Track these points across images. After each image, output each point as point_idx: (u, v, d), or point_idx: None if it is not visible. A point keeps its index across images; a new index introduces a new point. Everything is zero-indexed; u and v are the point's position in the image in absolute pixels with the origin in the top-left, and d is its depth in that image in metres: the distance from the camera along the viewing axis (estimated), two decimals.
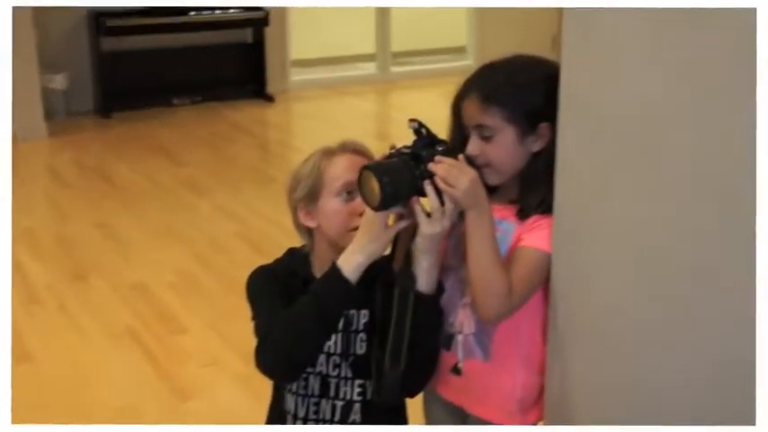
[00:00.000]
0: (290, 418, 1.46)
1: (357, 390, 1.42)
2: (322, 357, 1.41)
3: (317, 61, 7.48)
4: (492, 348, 1.37)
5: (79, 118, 6.01)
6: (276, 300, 1.39)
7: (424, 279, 1.33)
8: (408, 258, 1.33)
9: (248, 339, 2.89)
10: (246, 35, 6.67)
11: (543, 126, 1.30)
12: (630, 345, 1.17)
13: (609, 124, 1.15)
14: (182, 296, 3.25)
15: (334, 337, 1.40)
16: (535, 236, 1.30)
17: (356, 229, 1.35)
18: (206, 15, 6.33)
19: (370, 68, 7.40)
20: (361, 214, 1.35)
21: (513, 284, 1.28)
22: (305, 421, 1.44)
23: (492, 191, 1.33)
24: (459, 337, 1.38)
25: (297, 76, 6.98)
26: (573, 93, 1.21)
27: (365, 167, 1.28)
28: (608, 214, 1.18)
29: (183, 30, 6.28)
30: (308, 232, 1.45)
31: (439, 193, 1.27)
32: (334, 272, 1.31)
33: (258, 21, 6.45)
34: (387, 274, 1.36)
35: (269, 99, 6.53)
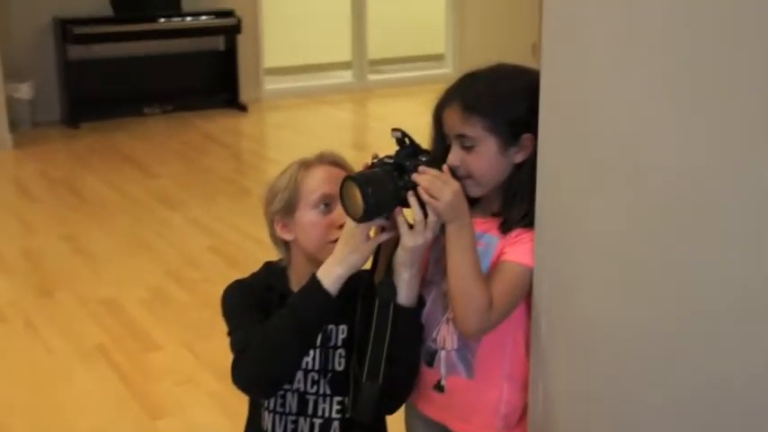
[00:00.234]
0: None
1: (336, 407, 1.40)
2: (300, 374, 1.40)
3: (291, 69, 7.44)
4: (475, 364, 1.35)
5: (46, 128, 5.92)
6: (253, 314, 1.38)
7: (405, 291, 1.32)
8: (389, 270, 1.32)
9: (223, 356, 2.82)
10: (218, 42, 6.62)
11: (526, 137, 1.29)
12: (614, 359, 1.17)
13: (590, 134, 1.14)
14: (154, 312, 3.19)
15: (312, 353, 1.39)
16: (517, 250, 1.29)
17: (334, 241, 1.35)
18: (176, 22, 6.28)
19: (346, 76, 7.39)
20: (339, 227, 1.35)
21: (495, 299, 1.27)
22: None
23: (474, 203, 1.32)
24: (442, 354, 1.37)
25: (271, 84, 6.94)
26: (553, 102, 1.21)
27: (348, 178, 1.26)
28: (590, 226, 1.17)
29: (152, 37, 6.22)
30: (286, 245, 1.45)
31: (422, 204, 1.26)
32: (314, 284, 1.29)
33: (230, 28, 6.40)
34: (366, 287, 1.35)
35: (242, 108, 6.48)
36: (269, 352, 1.30)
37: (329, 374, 1.39)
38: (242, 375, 1.33)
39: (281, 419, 1.41)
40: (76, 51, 5.97)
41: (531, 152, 1.27)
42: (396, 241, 1.30)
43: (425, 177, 1.25)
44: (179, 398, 2.61)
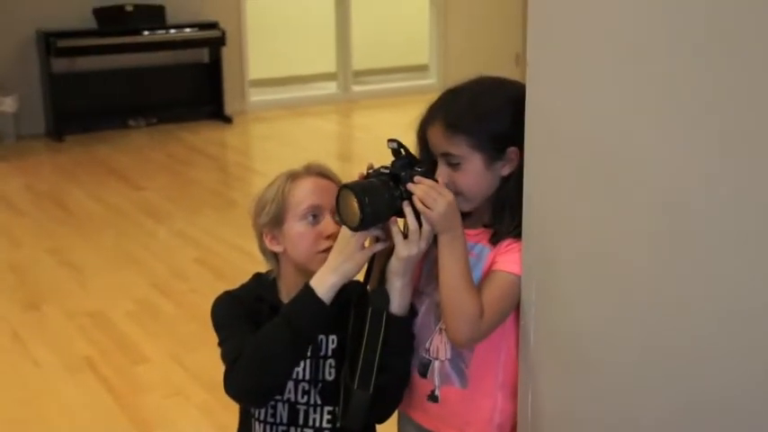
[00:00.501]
0: None
1: (326, 417, 1.40)
2: (290, 384, 1.39)
3: (275, 81, 7.45)
4: (469, 374, 1.35)
5: (30, 142, 5.90)
6: (243, 325, 1.38)
7: (397, 300, 1.32)
8: (382, 279, 1.33)
9: (211, 368, 2.82)
10: (203, 55, 6.62)
11: (511, 150, 1.29)
12: (601, 368, 1.17)
13: (576, 145, 1.15)
14: (141, 325, 3.18)
15: (302, 364, 1.39)
16: (508, 259, 1.29)
17: (323, 251, 1.35)
18: (160, 35, 6.27)
19: (330, 88, 7.41)
20: (327, 237, 1.36)
21: (485, 308, 1.27)
22: None
23: (465, 215, 1.32)
24: (436, 364, 1.37)
25: (255, 96, 6.95)
26: (539, 114, 1.21)
27: (344, 187, 1.27)
28: (577, 236, 1.18)
29: (136, 50, 6.21)
30: (275, 257, 1.44)
31: (417, 214, 1.26)
32: (308, 292, 1.30)
33: (215, 40, 6.40)
34: (359, 296, 1.35)
35: (227, 120, 6.47)
36: (262, 361, 1.30)
37: (320, 384, 1.39)
38: (234, 384, 1.33)
39: (271, 430, 1.41)
40: (60, 64, 5.96)
41: (518, 164, 1.28)
42: (389, 251, 1.31)
43: (420, 187, 1.26)
44: (168, 411, 2.61)
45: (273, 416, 1.41)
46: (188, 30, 6.36)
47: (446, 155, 1.30)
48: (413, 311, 1.36)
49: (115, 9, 6.13)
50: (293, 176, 1.41)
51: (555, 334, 1.24)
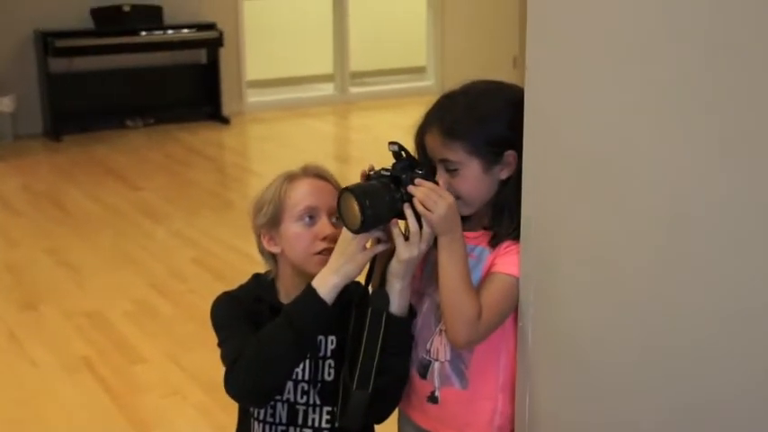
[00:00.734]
0: None
1: (326, 417, 1.41)
2: (290, 384, 1.40)
3: (273, 82, 7.45)
4: (469, 375, 1.36)
5: (28, 141, 5.89)
6: (243, 325, 1.39)
7: (397, 301, 1.33)
8: (382, 280, 1.33)
9: (209, 369, 2.82)
10: (200, 56, 6.62)
11: (509, 154, 1.30)
12: (599, 369, 1.17)
13: (574, 147, 1.15)
14: (139, 325, 3.18)
15: (302, 364, 1.39)
16: (507, 261, 1.30)
17: (319, 253, 1.36)
18: (158, 35, 6.27)
19: (328, 89, 7.41)
20: (323, 239, 1.37)
21: (484, 310, 1.28)
22: None
23: (466, 218, 1.33)
24: (436, 365, 1.37)
25: (253, 97, 6.95)
26: (537, 116, 1.21)
27: (345, 189, 1.28)
28: (575, 238, 1.18)
29: (134, 50, 6.21)
30: (273, 258, 1.45)
31: (418, 216, 1.27)
32: (310, 293, 1.30)
33: (212, 41, 6.40)
34: (359, 297, 1.36)
35: (224, 121, 6.48)
36: (264, 361, 1.30)
37: (319, 385, 1.40)
38: (235, 385, 1.33)
39: (270, 430, 1.41)
40: (58, 64, 5.95)
41: (516, 167, 1.29)
42: (390, 252, 1.31)
43: (421, 190, 1.27)
44: (165, 410, 2.61)
45: (273, 416, 1.41)
46: (185, 30, 6.36)
47: (444, 161, 1.31)
48: (412, 313, 1.37)
49: (113, 9, 6.12)
50: (290, 178, 1.42)
51: (553, 335, 1.24)
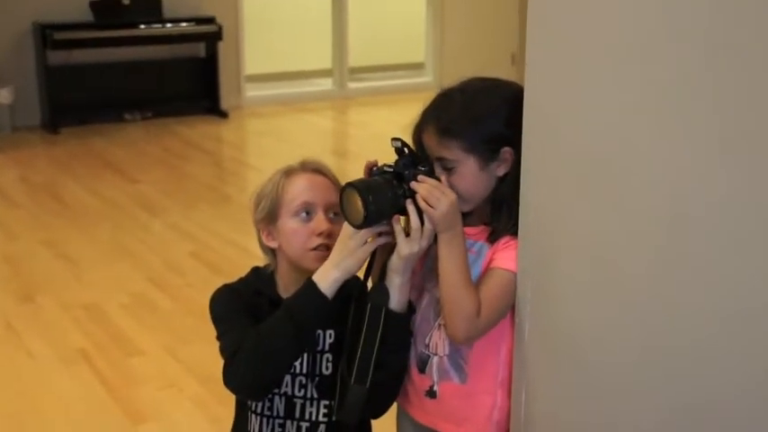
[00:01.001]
0: None
1: (323, 411, 1.41)
2: (288, 378, 1.41)
3: (272, 76, 7.45)
4: (468, 370, 1.36)
5: (25, 133, 5.89)
6: (242, 318, 1.39)
7: (396, 297, 1.33)
8: (382, 274, 1.34)
9: (205, 361, 2.83)
10: (199, 49, 6.61)
11: (505, 150, 1.31)
12: (595, 366, 1.17)
13: (573, 143, 1.16)
14: (136, 318, 3.18)
15: (300, 358, 1.39)
16: (506, 256, 1.31)
17: (315, 249, 1.37)
18: (157, 29, 6.26)
19: (326, 84, 7.41)
20: (319, 234, 1.37)
21: (483, 305, 1.29)
22: None
23: (466, 214, 1.33)
24: (434, 360, 1.38)
25: (251, 91, 6.94)
26: (536, 113, 1.22)
27: (348, 184, 1.28)
28: (573, 234, 1.18)
29: (133, 43, 6.20)
30: (272, 252, 1.45)
31: (420, 212, 1.28)
32: (310, 287, 1.31)
33: (211, 34, 6.40)
34: (358, 292, 1.36)
35: (223, 115, 6.47)
36: (263, 354, 1.31)
37: (317, 378, 1.40)
38: (234, 377, 1.33)
39: (268, 423, 1.42)
40: (57, 57, 5.94)
41: (513, 163, 1.29)
42: (391, 247, 1.32)
43: (424, 186, 1.27)
44: (161, 403, 2.61)
45: (270, 409, 1.42)
46: (185, 24, 6.35)
47: (440, 159, 1.32)
48: (411, 308, 1.37)
49: (112, 2, 6.11)
50: (288, 172, 1.42)
51: (550, 332, 1.25)
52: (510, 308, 1.32)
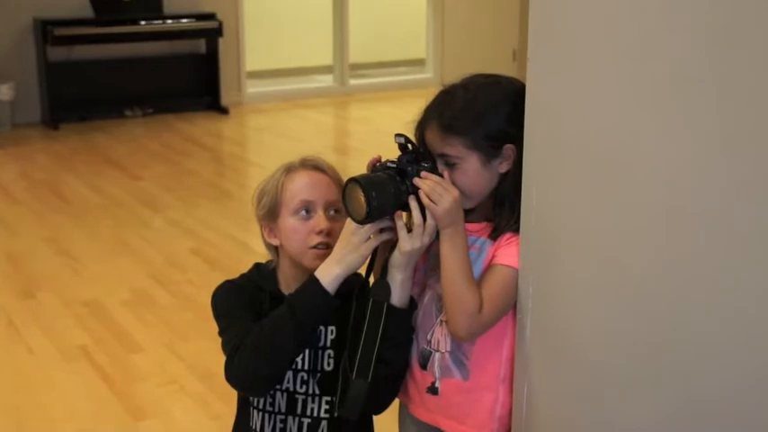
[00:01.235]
0: None
1: (324, 407, 1.42)
2: (289, 374, 1.41)
3: (272, 73, 7.44)
4: (470, 366, 1.36)
5: (26, 130, 5.89)
6: (244, 313, 1.40)
7: (398, 293, 1.33)
8: (384, 270, 1.34)
9: (206, 358, 2.84)
10: (200, 46, 6.61)
11: (508, 147, 1.31)
12: (596, 363, 1.17)
13: (575, 141, 1.16)
14: (136, 314, 3.18)
15: (302, 353, 1.40)
16: (507, 253, 1.31)
17: (315, 247, 1.37)
18: (157, 25, 6.25)
19: (327, 81, 7.40)
20: (319, 232, 1.37)
21: (485, 302, 1.29)
22: None
23: (469, 210, 1.34)
24: (436, 356, 1.38)
25: (252, 88, 6.94)
26: (538, 110, 1.22)
27: (351, 180, 1.28)
28: (574, 232, 1.18)
29: (133, 39, 6.20)
30: (275, 249, 1.46)
31: (422, 209, 1.28)
32: (313, 283, 1.31)
33: (212, 31, 6.39)
34: (360, 288, 1.37)
35: (223, 111, 6.47)
36: (266, 350, 1.31)
37: (318, 374, 1.41)
38: (236, 373, 1.34)
39: (269, 418, 1.42)
40: (57, 53, 5.94)
41: (515, 160, 1.29)
42: (393, 243, 1.32)
43: (427, 183, 1.28)
44: (162, 399, 2.61)
45: (272, 405, 1.42)
46: (185, 20, 6.34)
47: (443, 156, 1.32)
48: (413, 304, 1.37)
49: None
50: (288, 170, 1.42)
51: (551, 329, 1.25)
52: (512, 304, 1.32)
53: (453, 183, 1.31)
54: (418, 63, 7.82)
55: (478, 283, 1.30)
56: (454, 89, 1.35)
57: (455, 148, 1.30)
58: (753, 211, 0.94)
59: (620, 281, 1.11)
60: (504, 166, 1.32)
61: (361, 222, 1.28)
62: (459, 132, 1.30)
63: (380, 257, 1.36)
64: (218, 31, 6.37)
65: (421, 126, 1.36)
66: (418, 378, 1.40)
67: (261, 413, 1.43)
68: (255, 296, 1.43)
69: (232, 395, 1.49)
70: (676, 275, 1.03)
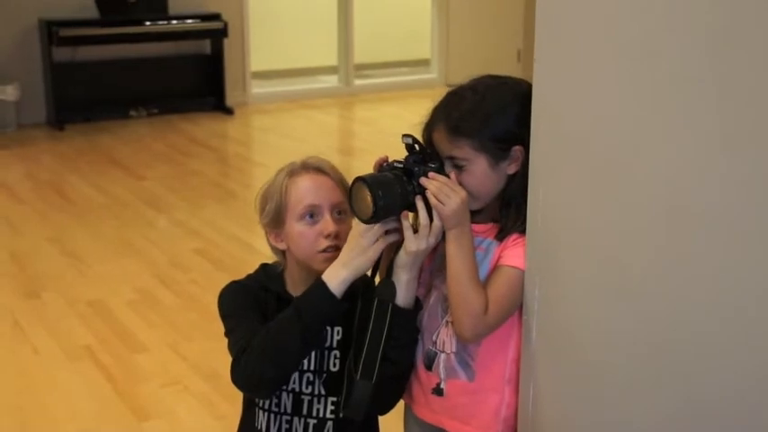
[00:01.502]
0: None
1: (330, 407, 1.41)
2: (295, 374, 1.41)
3: (277, 73, 7.45)
4: (476, 367, 1.36)
5: (31, 130, 5.90)
6: (250, 315, 1.40)
7: (403, 293, 1.33)
8: (390, 271, 1.34)
9: (210, 358, 2.83)
10: (205, 46, 6.62)
11: (516, 149, 1.31)
12: (602, 365, 1.17)
13: (581, 143, 1.16)
14: (141, 314, 3.18)
15: (307, 356, 1.39)
16: (513, 254, 1.31)
17: (323, 251, 1.37)
18: (162, 26, 6.26)
19: (332, 81, 7.40)
20: (326, 236, 1.37)
21: (491, 303, 1.29)
22: None
23: (475, 211, 1.33)
24: (442, 357, 1.37)
25: (257, 88, 6.94)
26: (545, 113, 1.22)
27: (358, 179, 1.28)
28: (582, 233, 1.18)
29: (138, 40, 6.20)
30: (282, 252, 1.46)
31: (429, 209, 1.28)
32: (320, 287, 1.31)
33: (217, 31, 6.39)
34: (365, 288, 1.36)
35: (228, 112, 6.47)
36: (273, 352, 1.31)
37: (324, 375, 1.41)
38: (243, 375, 1.34)
39: (275, 419, 1.42)
40: (62, 53, 5.95)
41: (523, 162, 1.29)
42: (398, 244, 1.32)
43: (435, 183, 1.28)
44: (166, 399, 2.61)
45: (278, 405, 1.42)
46: (190, 21, 6.35)
47: (451, 158, 1.32)
48: (418, 305, 1.37)
49: None
50: (291, 173, 1.42)
51: (557, 330, 1.24)
52: (518, 306, 1.32)
53: (461, 184, 1.31)
54: (423, 63, 7.82)
55: (484, 284, 1.30)
56: (462, 90, 1.35)
57: (462, 150, 1.30)
58: (753, 211, 0.94)
59: (625, 283, 1.11)
60: (512, 168, 1.32)
61: (368, 222, 1.28)
62: (467, 134, 1.30)
63: (386, 258, 1.36)
64: (223, 32, 6.38)
65: (428, 127, 1.36)
66: (423, 379, 1.40)
67: (266, 414, 1.43)
68: (262, 297, 1.43)
69: (237, 395, 1.49)
70: (681, 277, 1.03)
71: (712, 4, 0.96)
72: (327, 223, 1.37)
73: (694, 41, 0.98)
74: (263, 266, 1.50)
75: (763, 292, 0.94)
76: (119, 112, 6.22)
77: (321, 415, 1.41)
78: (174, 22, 6.30)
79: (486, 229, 1.35)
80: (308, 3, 7.73)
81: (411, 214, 1.31)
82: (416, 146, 1.32)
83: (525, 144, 1.27)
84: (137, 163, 5.22)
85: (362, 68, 7.56)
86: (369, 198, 1.25)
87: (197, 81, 6.58)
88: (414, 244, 1.29)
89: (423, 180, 1.28)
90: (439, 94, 1.38)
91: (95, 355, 2.87)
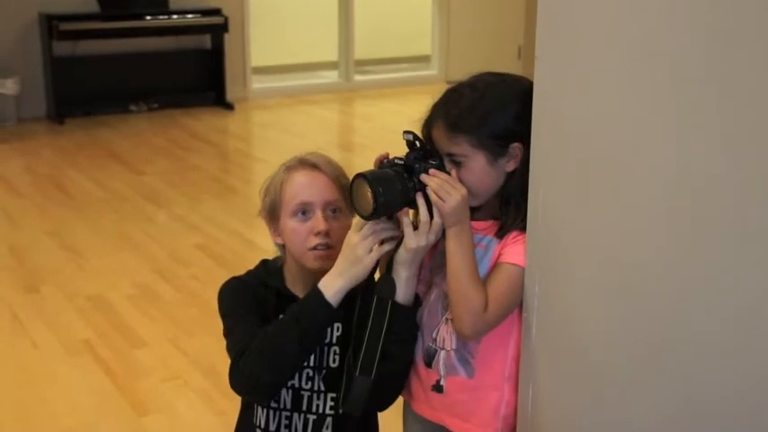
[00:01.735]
0: None
1: (330, 403, 1.42)
2: None
3: (278, 69, 7.44)
4: (476, 364, 1.36)
5: (31, 124, 5.90)
6: (250, 314, 1.40)
7: (402, 290, 1.33)
8: (389, 267, 1.34)
9: (210, 354, 2.83)
10: (205, 41, 6.61)
11: (515, 146, 1.31)
12: (601, 363, 1.17)
13: (581, 141, 1.16)
14: (140, 309, 3.18)
15: (305, 361, 1.40)
16: (513, 251, 1.31)
17: (314, 248, 1.37)
18: (163, 20, 6.25)
19: (332, 77, 7.40)
20: (317, 234, 1.36)
21: (491, 300, 1.29)
22: None
23: (475, 208, 1.34)
24: (441, 354, 1.38)
25: (257, 83, 6.94)
26: (546, 110, 1.22)
27: (358, 175, 1.29)
28: (581, 231, 1.18)
29: (138, 35, 6.20)
30: (282, 246, 1.46)
31: (429, 206, 1.28)
32: (316, 296, 1.31)
33: (217, 26, 6.39)
34: (365, 284, 1.36)
35: (228, 107, 6.47)
36: (269, 360, 1.31)
37: (324, 371, 1.41)
38: (240, 380, 1.34)
39: (274, 415, 1.42)
40: (62, 47, 5.94)
41: (522, 159, 1.29)
42: (399, 240, 1.32)
43: (435, 180, 1.28)
44: (165, 394, 2.61)
45: (277, 401, 1.42)
46: (190, 16, 6.34)
47: (450, 154, 1.32)
48: (418, 302, 1.37)
49: None
50: (288, 169, 1.42)
51: (557, 328, 1.25)
52: (518, 303, 1.32)
53: (460, 181, 1.31)
54: (423, 60, 7.81)
55: (484, 281, 1.30)
56: (461, 87, 1.35)
57: (461, 147, 1.30)
58: (753, 211, 0.94)
59: (625, 281, 1.11)
60: (511, 165, 1.32)
61: (367, 218, 1.28)
62: (465, 131, 1.30)
63: (386, 254, 1.35)
64: (223, 27, 6.37)
65: (427, 124, 1.36)
66: (423, 376, 1.40)
67: (266, 410, 1.43)
68: (261, 293, 1.43)
69: None
70: (682, 276, 1.03)
71: (712, 4, 0.96)
72: (318, 221, 1.38)
73: (695, 41, 0.98)
74: (264, 262, 1.50)
75: (763, 292, 0.94)
76: (119, 107, 6.22)
77: (321, 411, 1.42)
78: (175, 16, 6.29)
79: (486, 227, 1.35)
80: None
81: (411, 211, 1.31)
82: (417, 143, 1.32)
83: (524, 141, 1.27)
84: (137, 157, 5.22)
85: (363, 64, 7.55)
86: (369, 194, 1.26)
87: (197, 76, 6.57)
88: (414, 241, 1.29)
89: (423, 177, 1.29)
90: (439, 90, 1.38)
91: (95, 349, 2.87)
